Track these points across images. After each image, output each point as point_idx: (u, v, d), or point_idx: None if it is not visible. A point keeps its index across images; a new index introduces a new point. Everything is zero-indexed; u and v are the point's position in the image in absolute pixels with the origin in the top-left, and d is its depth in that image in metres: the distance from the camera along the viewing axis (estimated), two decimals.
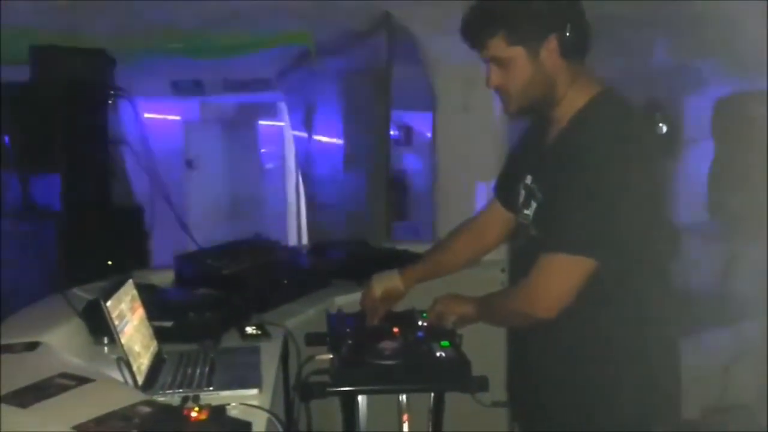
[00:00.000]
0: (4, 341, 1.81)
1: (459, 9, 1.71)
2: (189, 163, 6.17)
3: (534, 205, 1.70)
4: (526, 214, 1.74)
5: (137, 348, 1.72)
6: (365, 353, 1.79)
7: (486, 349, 1.92)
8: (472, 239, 2.05)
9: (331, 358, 1.84)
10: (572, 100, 1.65)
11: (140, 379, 1.63)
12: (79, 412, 1.36)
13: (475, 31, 1.64)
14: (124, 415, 1.32)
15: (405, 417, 2.07)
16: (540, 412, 1.79)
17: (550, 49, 1.60)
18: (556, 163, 1.65)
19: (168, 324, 2.03)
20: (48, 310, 2.11)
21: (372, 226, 3.87)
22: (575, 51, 1.62)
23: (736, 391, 3.23)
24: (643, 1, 3.27)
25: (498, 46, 1.62)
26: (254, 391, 1.66)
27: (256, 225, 6.00)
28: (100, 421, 1.30)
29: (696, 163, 3.79)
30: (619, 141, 1.57)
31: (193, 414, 1.28)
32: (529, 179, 1.74)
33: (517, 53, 1.61)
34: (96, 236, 2.68)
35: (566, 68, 1.63)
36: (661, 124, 3.75)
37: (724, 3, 2.88)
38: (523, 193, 1.76)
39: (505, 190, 1.92)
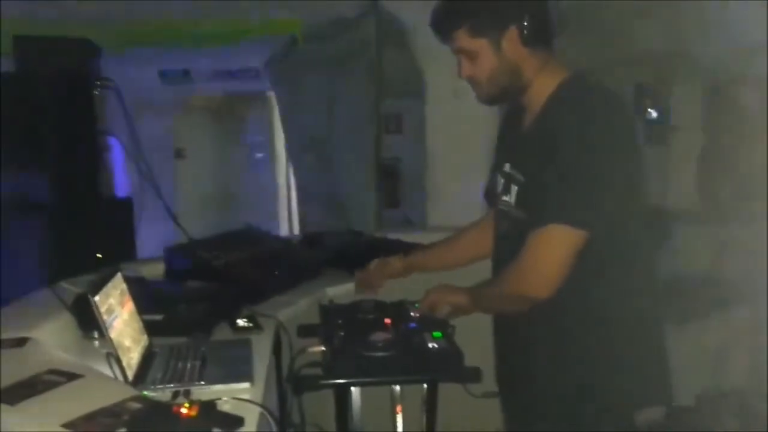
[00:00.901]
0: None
1: None
2: (178, 153, 6.11)
3: (515, 188, 1.74)
4: (505, 201, 1.78)
5: (127, 342, 1.70)
6: (357, 345, 1.78)
7: (478, 339, 1.90)
8: (477, 239, 2.08)
9: (323, 350, 1.82)
10: (542, 85, 1.71)
11: (130, 374, 1.61)
12: (68, 408, 1.34)
13: (442, 25, 1.74)
14: (113, 412, 1.31)
15: (398, 408, 2.08)
16: (527, 399, 1.81)
17: (510, 39, 1.67)
18: (535, 145, 1.69)
19: (158, 317, 2.01)
20: (37, 305, 2.09)
21: (362, 215, 3.86)
22: (537, 39, 1.68)
23: (729, 376, 3.25)
24: None
25: (463, 38, 1.70)
26: (246, 385, 1.65)
27: (247, 215, 5.95)
28: (88, 417, 1.28)
29: (686, 149, 3.79)
30: (592, 117, 1.62)
31: (183, 410, 1.26)
32: (507, 167, 1.79)
33: (481, 45, 1.68)
34: (85, 228, 2.66)
35: (530, 56, 1.69)
36: (650, 110, 3.74)
37: None
38: (501, 181, 1.81)
39: (488, 186, 1.97)
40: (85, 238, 2.62)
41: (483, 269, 1.97)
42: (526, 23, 1.65)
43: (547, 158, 1.62)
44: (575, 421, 1.71)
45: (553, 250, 1.63)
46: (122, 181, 4.56)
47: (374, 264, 2.23)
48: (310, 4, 3.80)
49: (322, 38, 4.06)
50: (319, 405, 2.16)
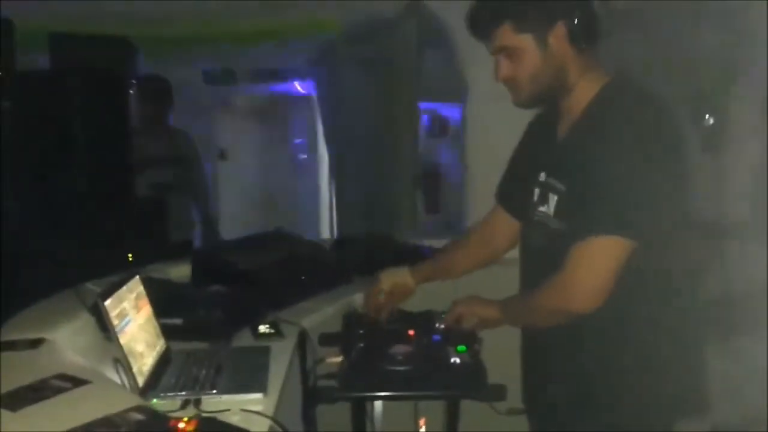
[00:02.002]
0: (14, 337, 1.78)
1: None
2: (222, 154, 6.14)
3: (554, 198, 1.64)
4: (542, 212, 1.68)
5: (140, 348, 1.66)
6: (376, 357, 1.71)
7: (504, 354, 1.81)
8: (480, 244, 2.02)
9: (341, 361, 1.76)
10: (584, 89, 1.62)
11: (141, 381, 1.57)
12: (68, 416, 1.31)
13: (482, 22, 1.63)
14: (112, 422, 1.27)
15: (422, 422, 2.01)
16: (560, 414, 1.72)
17: (558, 36, 1.58)
18: (577, 150, 1.59)
19: (177, 321, 1.97)
20: (60, 305, 2.07)
21: (400, 220, 3.79)
22: (584, 38, 1.59)
23: None
24: None
25: (506, 35, 1.59)
26: (258, 396, 1.60)
27: (289, 217, 5.97)
28: (87, 428, 1.24)
29: (743, 158, 3.62)
30: (640, 124, 1.53)
31: (181, 425, 1.21)
32: (542, 176, 1.69)
33: (525, 41, 1.58)
34: (116, 229, 2.65)
35: (576, 56, 1.60)
36: (707, 117, 3.58)
37: None
38: (537, 191, 1.70)
39: (509, 196, 1.90)
40: (116, 238, 2.61)
41: (499, 276, 1.89)
42: (576, 20, 1.55)
43: (591, 166, 1.53)
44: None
45: (599, 263, 1.53)
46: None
47: (384, 279, 2.04)
48: (351, 3, 3.74)
49: (363, 39, 4.00)
50: (340, 413, 2.10)
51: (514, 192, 1.86)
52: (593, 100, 1.60)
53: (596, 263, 1.53)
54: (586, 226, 1.53)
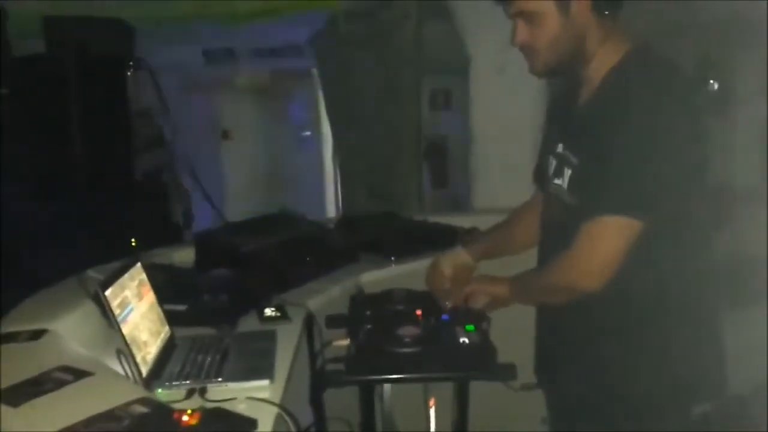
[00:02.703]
0: (15, 328, 1.75)
1: None
2: (225, 134, 6.09)
3: (569, 171, 1.60)
4: (557, 184, 1.64)
5: (144, 336, 1.63)
6: (384, 340, 1.68)
7: (514, 332, 1.78)
8: (535, 219, 1.86)
9: (348, 345, 1.73)
10: (604, 58, 1.56)
11: (145, 370, 1.55)
12: (71, 410, 1.29)
13: None
14: (115, 416, 1.24)
15: (431, 402, 1.98)
16: (574, 389, 1.69)
17: (581, 3, 1.51)
18: (592, 125, 1.55)
19: (182, 308, 1.94)
20: (62, 294, 2.04)
21: (405, 196, 3.75)
22: (608, 6, 1.52)
23: None
24: None
25: None
26: (265, 382, 1.57)
27: (295, 196, 5.94)
28: (89, 422, 1.22)
29: (751, 122, 3.55)
30: (657, 97, 1.47)
31: (185, 418, 1.19)
32: (560, 147, 1.65)
33: (547, 7, 1.52)
34: (117, 214, 2.62)
35: (597, 25, 1.54)
36: (712, 81, 3.51)
37: None
38: (553, 162, 1.67)
39: (538, 166, 1.83)
40: (118, 222, 2.58)
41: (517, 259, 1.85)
42: None
43: (604, 141, 1.48)
44: (628, 411, 1.60)
45: (607, 242, 1.50)
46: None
47: (444, 263, 1.96)
48: None
49: (363, 13, 3.94)
50: (349, 396, 2.08)
51: (540, 161, 1.81)
52: (612, 69, 1.55)
53: (603, 243, 1.50)
54: (596, 204, 1.50)
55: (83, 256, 2.39)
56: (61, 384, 1.41)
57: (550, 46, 1.55)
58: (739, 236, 3.23)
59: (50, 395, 1.37)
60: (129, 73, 2.85)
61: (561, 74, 1.66)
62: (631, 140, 1.45)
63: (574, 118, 1.64)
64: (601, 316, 1.59)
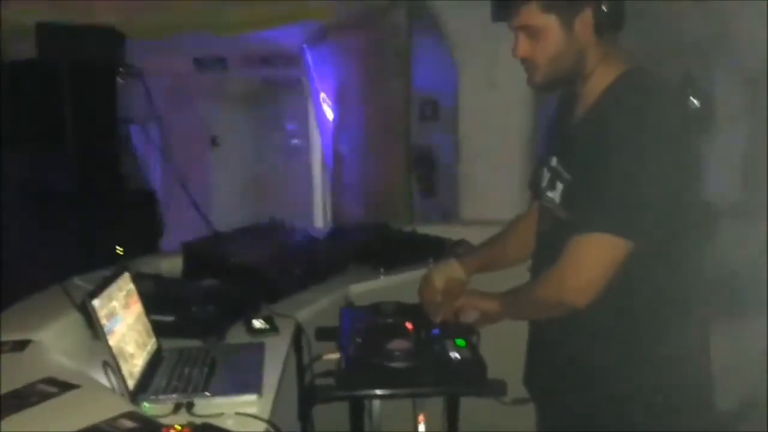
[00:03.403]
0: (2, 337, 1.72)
1: None
2: (213, 141, 6.06)
3: (561, 186, 1.61)
4: (550, 197, 1.64)
5: (130, 349, 1.61)
6: (374, 354, 1.67)
7: (504, 345, 1.78)
8: (529, 233, 1.85)
9: (338, 358, 1.71)
10: (601, 76, 1.57)
11: (132, 383, 1.53)
12: (56, 425, 1.27)
13: None
14: (102, 431, 1.22)
15: (420, 418, 1.96)
16: (564, 402, 1.69)
17: (584, 22, 1.54)
18: (584, 141, 1.56)
19: (169, 319, 1.92)
20: (46, 303, 2.02)
21: (394, 206, 3.75)
22: (609, 26, 1.55)
23: None
24: None
25: (531, 12, 1.55)
26: (253, 397, 1.56)
27: (283, 205, 5.91)
28: None
29: (731, 141, 3.60)
30: (650, 118, 1.48)
31: None
32: (554, 161, 1.65)
33: (550, 22, 1.54)
34: (104, 221, 2.59)
35: (598, 43, 1.56)
36: (693, 99, 3.54)
37: None
38: (547, 175, 1.67)
39: (533, 178, 1.82)
40: (105, 230, 2.56)
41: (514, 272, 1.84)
42: (603, 7, 1.52)
43: (596, 158, 1.49)
44: (617, 425, 1.59)
45: (595, 259, 1.51)
46: (155, 171, 4.54)
47: (436, 275, 1.92)
48: None
49: (354, 25, 3.94)
50: (338, 410, 2.06)
51: (535, 173, 1.80)
52: (606, 88, 1.56)
53: (590, 260, 1.51)
54: (585, 221, 1.50)
55: (69, 263, 2.36)
56: (46, 397, 1.38)
57: (551, 61, 1.57)
58: (721, 252, 3.25)
59: (35, 408, 1.34)
60: (119, 80, 2.82)
61: (558, 89, 1.68)
62: (622, 159, 1.46)
63: (569, 134, 1.65)
64: (589, 331, 1.58)
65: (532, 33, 1.56)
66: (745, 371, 3.04)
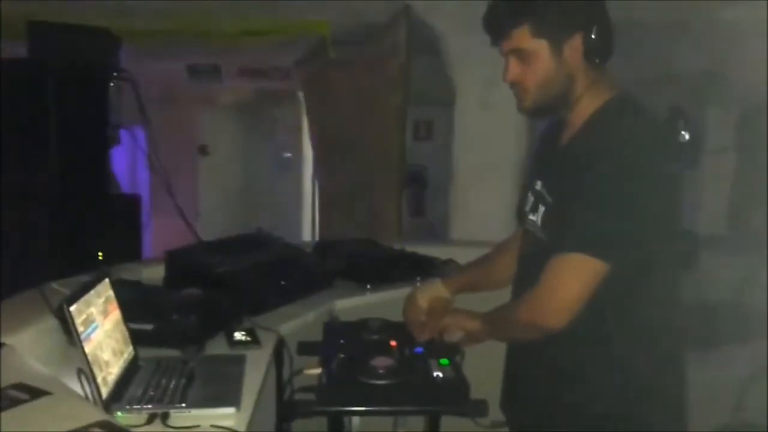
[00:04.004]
0: None
1: (480, 4, 1.65)
2: (202, 150, 6.03)
3: (542, 209, 1.62)
4: (532, 220, 1.66)
5: (106, 356, 1.57)
6: (356, 370, 1.64)
7: (487, 366, 1.75)
8: (514, 256, 1.84)
9: (320, 374, 1.68)
10: (588, 103, 1.60)
11: (106, 392, 1.48)
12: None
13: (501, 20, 1.59)
14: None
15: None
16: (538, 424, 1.67)
17: (573, 48, 1.56)
18: (568, 165, 1.58)
19: (148, 327, 1.88)
20: (23, 307, 1.97)
21: (384, 224, 3.72)
22: (598, 53, 1.57)
23: (750, 410, 3.07)
24: (670, 2, 3.12)
25: (522, 37, 1.56)
26: (231, 410, 1.52)
27: (271, 217, 5.88)
28: None
29: (718, 173, 3.63)
30: (633, 145, 1.51)
31: None
32: (538, 184, 1.67)
33: (541, 47, 1.56)
34: (87, 226, 2.55)
35: (586, 70, 1.58)
36: (683, 132, 3.56)
37: (754, 8, 2.74)
38: (531, 198, 1.68)
39: (519, 201, 1.81)
40: (87, 235, 2.52)
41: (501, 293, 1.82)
42: (593, 34, 1.53)
43: (577, 182, 1.50)
44: None
45: (570, 281, 1.50)
46: (143, 176, 4.50)
47: (420, 295, 1.93)
48: (341, 5, 3.70)
49: (352, 41, 3.94)
50: (316, 427, 2.02)
51: (522, 197, 1.80)
52: (593, 115, 1.58)
53: (566, 282, 1.51)
54: (562, 242, 1.51)
55: (49, 267, 2.32)
56: (15, 403, 1.34)
57: (540, 86, 1.58)
58: (704, 283, 3.27)
59: (4, 414, 1.30)
60: (111, 84, 2.78)
61: (546, 114, 1.68)
62: (602, 185, 1.47)
63: (554, 158, 1.67)
64: (563, 358, 1.58)
65: (523, 57, 1.57)
66: (722, 398, 3.05)
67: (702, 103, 3.58)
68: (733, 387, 3.14)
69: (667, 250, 1.57)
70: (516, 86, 1.61)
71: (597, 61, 1.56)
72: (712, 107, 3.63)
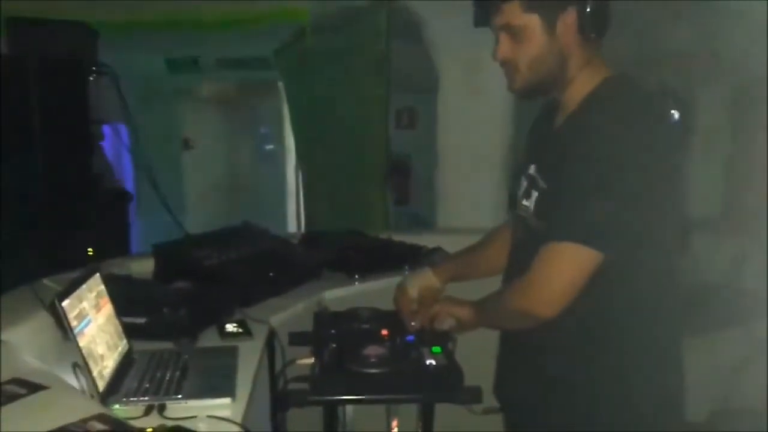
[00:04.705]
0: None
1: None
2: (185, 143, 6.01)
3: (535, 194, 1.57)
4: (525, 206, 1.61)
5: (101, 350, 1.58)
6: (348, 359, 1.66)
7: (480, 354, 1.77)
8: (505, 244, 1.81)
9: (313, 363, 1.69)
10: (582, 83, 1.54)
11: (102, 385, 1.49)
12: (24, 425, 1.24)
13: None
14: None
15: (394, 423, 1.95)
16: (533, 412, 1.67)
17: (567, 23, 1.50)
18: (562, 149, 1.51)
19: (140, 321, 1.89)
20: (15, 303, 1.97)
21: (369, 214, 3.73)
22: (592, 30, 1.51)
23: (745, 393, 3.09)
24: None
25: (513, 11, 1.51)
26: (226, 401, 1.53)
27: (256, 209, 5.87)
28: None
29: (710, 153, 3.62)
30: (629, 127, 1.45)
31: None
32: (532, 168, 1.61)
33: (533, 22, 1.50)
34: (74, 221, 2.55)
35: (580, 48, 1.52)
36: (673, 111, 3.57)
37: None
38: (524, 183, 1.63)
39: (512, 187, 1.78)
40: (75, 231, 2.51)
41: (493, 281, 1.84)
42: (588, 9, 1.48)
43: (572, 167, 1.46)
44: None
45: (563, 269, 1.48)
46: (128, 172, 4.47)
47: (410, 284, 1.93)
48: None
49: (332, 28, 3.92)
50: (311, 416, 2.04)
51: (514, 183, 1.76)
52: (588, 95, 1.53)
53: (558, 270, 1.48)
54: (556, 230, 1.48)
55: (39, 264, 2.31)
56: (14, 398, 1.35)
57: (532, 64, 1.53)
58: (697, 265, 3.28)
59: (2, 409, 1.31)
60: (91, 78, 2.77)
61: (538, 95, 1.63)
62: (597, 168, 1.43)
63: (548, 142, 1.62)
64: (558, 342, 1.56)
65: (514, 33, 1.53)
66: (717, 382, 3.08)
67: (694, 82, 3.57)
68: (728, 370, 3.15)
69: (663, 236, 1.55)
70: (507, 65, 1.57)
71: (591, 38, 1.51)
72: (705, 86, 3.62)
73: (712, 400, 3.12)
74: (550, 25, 1.50)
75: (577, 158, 1.46)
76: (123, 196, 2.82)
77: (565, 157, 1.49)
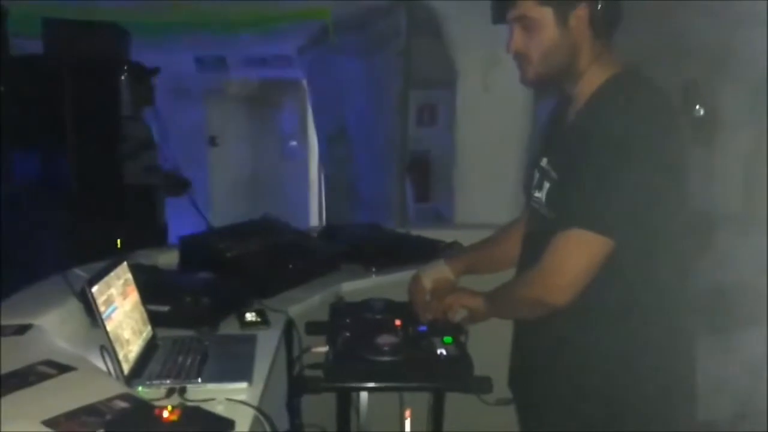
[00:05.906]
0: (3, 322, 1.78)
1: None
2: (212, 140, 6.12)
3: (547, 185, 1.62)
4: (537, 197, 1.66)
5: (127, 334, 1.66)
6: (362, 348, 1.72)
7: (492, 345, 1.82)
8: (518, 238, 1.84)
9: (327, 351, 1.77)
10: (593, 77, 1.58)
11: (127, 368, 1.58)
12: (53, 403, 1.32)
13: None
14: (96, 410, 1.27)
15: (407, 413, 2.01)
16: (546, 405, 1.70)
17: (579, 17, 1.55)
18: (573, 141, 1.56)
19: (164, 309, 1.97)
20: (48, 291, 2.07)
21: (388, 209, 3.79)
22: (604, 25, 1.56)
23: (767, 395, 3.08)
24: None
25: (527, 4, 1.57)
26: (243, 385, 1.60)
27: (279, 204, 5.97)
28: (71, 415, 1.25)
29: (734, 149, 3.59)
30: (640, 119, 1.49)
31: (165, 414, 1.22)
32: (544, 161, 1.66)
33: (546, 15, 1.55)
34: (107, 214, 2.64)
35: (592, 42, 1.57)
36: (698, 107, 3.55)
37: None
38: (537, 175, 1.69)
39: (525, 179, 1.83)
40: (107, 223, 2.61)
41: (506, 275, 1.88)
42: (599, 5, 1.53)
43: (582, 157, 1.50)
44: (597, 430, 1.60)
45: (574, 257, 1.51)
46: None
47: (424, 276, 1.96)
48: None
49: (353, 26, 3.98)
50: (326, 404, 2.11)
51: (526, 176, 1.82)
52: (598, 89, 1.57)
53: (570, 258, 1.51)
54: (567, 219, 1.52)
55: (70, 255, 2.41)
56: (44, 377, 1.44)
57: (543, 56, 1.57)
58: (720, 263, 3.27)
59: (34, 387, 1.39)
60: (123, 77, 2.87)
61: (550, 88, 1.69)
62: (607, 160, 1.47)
63: (559, 135, 1.67)
64: (571, 337, 1.60)
65: (527, 26, 1.57)
66: (738, 382, 3.07)
67: (714, 77, 3.56)
68: (751, 370, 3.14)
69: (676, 227, 1.57)
70: (520, 56, 1.61)
71: (603, 32, 1.55)
72: (725, 82, 3.60)
73: (733, 401, 3.10)
74: (562, 19, 1.54)
75: (586, 149, 1.50)
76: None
77: (574, 149, 1.54)
